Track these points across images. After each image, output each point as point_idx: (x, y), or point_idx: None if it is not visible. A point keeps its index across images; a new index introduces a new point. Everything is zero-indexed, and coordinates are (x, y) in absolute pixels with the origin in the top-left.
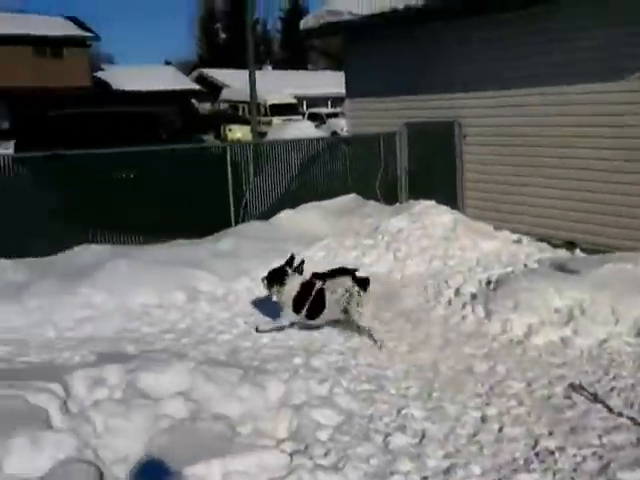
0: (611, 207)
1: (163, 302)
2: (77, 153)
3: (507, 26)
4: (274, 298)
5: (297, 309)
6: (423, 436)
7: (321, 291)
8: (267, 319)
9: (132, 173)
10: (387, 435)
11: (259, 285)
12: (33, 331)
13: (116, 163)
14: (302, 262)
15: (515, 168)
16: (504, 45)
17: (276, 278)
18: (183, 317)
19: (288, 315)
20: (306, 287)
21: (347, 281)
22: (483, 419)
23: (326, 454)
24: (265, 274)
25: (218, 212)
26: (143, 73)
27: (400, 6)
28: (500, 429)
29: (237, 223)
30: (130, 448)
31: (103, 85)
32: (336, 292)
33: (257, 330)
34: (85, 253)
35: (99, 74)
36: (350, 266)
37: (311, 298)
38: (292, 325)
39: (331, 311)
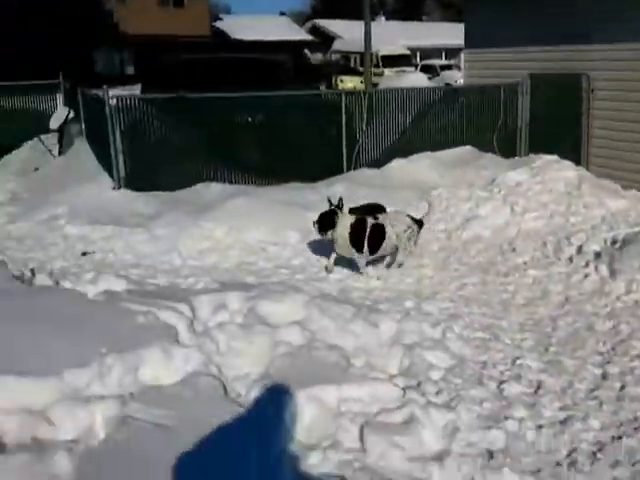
0: None
1: (278, 240)
2: (198, 96)
3: None
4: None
5: (357, 246)
6: (539, 387)
7: (378, 226)
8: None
9: (251, 117)
10: (501, 382)
11: None
12: (161, 258)
13: (235, 106)
14: (340, 200)
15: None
16: None
17: (327, 221)
18: (296, 255)
19: (344, 253)
20: (359, 225)
21: (406, 218)
22: (604, 376)
23: (438, 392)
24: (316, 218)
25: (332, 158)
26: (259, 23)
27: None
28: (622, 387)
29: (349, 169)
30: (250, 368)
31: (221, 34)
32: (397, 227)
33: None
34: (207, 190)
35: (217, 24)
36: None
37: (367, 234)
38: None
39: (389, 245)
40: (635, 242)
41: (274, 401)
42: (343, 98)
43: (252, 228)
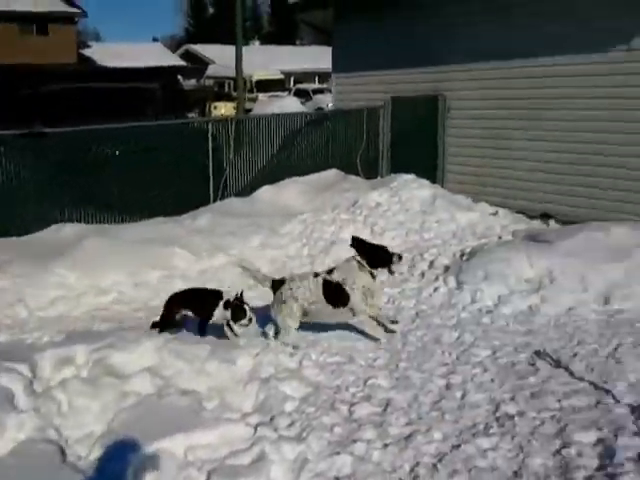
0: (583, 179)
1: (137, 280)
2: (53, 131)
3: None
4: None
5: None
6: (387, 405)
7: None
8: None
9: (111, 150)
10: (352, 405)
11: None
12: (4, 311)
13: (95, 140)
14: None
15: (495, 141)
16: (487, 19)
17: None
18: (156, 295)
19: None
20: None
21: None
22: (447, 386)
23: (290, 425)
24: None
25: (198, 188)
26: (130, 50)
27: None
28: (463, 396)
29: (217, 199)
30: (94, 426)
31: (89, 62)
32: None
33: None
34: (61, 232)
35: (86, 51)
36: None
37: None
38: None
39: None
40: (481, 253)
41: (116, 460)
42: (210, 126)
43: (108, 270)
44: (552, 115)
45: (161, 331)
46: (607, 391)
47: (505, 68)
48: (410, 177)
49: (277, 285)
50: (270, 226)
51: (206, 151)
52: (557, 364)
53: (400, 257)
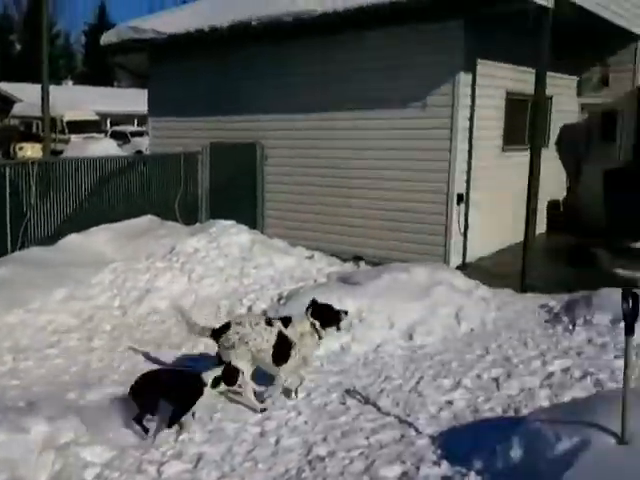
0: (389, 223)
1: None
2: None
3: (301, 54)
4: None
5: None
6: (199, 459)
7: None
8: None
9: None
10: (162, 464)
11: (38, 315)
12: None
13: None
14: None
15: (307, 188)
16: (302, 71)
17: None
18: None
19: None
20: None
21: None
22: (262, 434)
23: None
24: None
25: None
26: None
27: (205, 27)
28: (277, 442)
29: (15, 250)
30: None
31: None
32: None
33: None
34: None
35: None
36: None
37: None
38: None
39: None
40: (297, 296)
41: None
42: (7, 170)
43: None
44: (358, 164)
45: None
46: (410, 424)
47: (312, 120)
48: (229, 223)
49: (220, 332)
50: (77, 277)
51: (3, 197)
52: (366, 401)
53: (346, 313)
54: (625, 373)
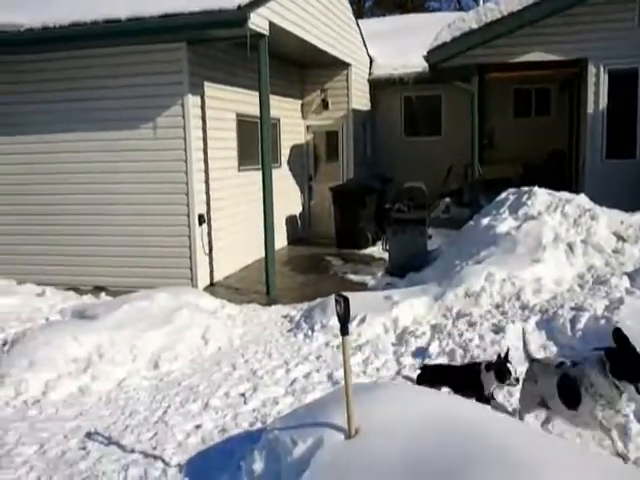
0: (130, 249)
1: None
2: None
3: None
4: None
5: None
6: None
7: None
8: None
9: None
10: None
11: None
12: None
13: None
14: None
15: (35, 217)
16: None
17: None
18: None
19: None
20: None
21: None
22: None
23: None
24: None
25: None
26: None
27: None
28: None
29: None
30: None
31: None
32: None
33: None
34: None
35: None
36: None
37: None
38: None
39: None
40: (24, 340)
41: None
42: None
43: None
44: (88, 189)
45: None
46: (156, 457)
47: (23, 143)
48: None
49: None
50: None
51: None
52: (109, 441)
53: None
54: (345, 369)
